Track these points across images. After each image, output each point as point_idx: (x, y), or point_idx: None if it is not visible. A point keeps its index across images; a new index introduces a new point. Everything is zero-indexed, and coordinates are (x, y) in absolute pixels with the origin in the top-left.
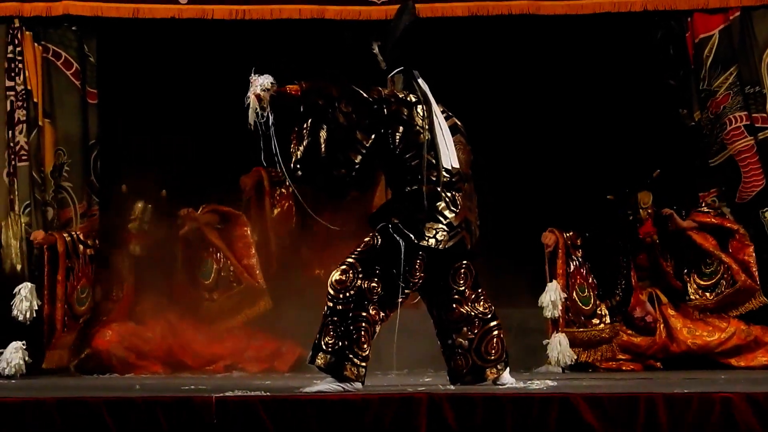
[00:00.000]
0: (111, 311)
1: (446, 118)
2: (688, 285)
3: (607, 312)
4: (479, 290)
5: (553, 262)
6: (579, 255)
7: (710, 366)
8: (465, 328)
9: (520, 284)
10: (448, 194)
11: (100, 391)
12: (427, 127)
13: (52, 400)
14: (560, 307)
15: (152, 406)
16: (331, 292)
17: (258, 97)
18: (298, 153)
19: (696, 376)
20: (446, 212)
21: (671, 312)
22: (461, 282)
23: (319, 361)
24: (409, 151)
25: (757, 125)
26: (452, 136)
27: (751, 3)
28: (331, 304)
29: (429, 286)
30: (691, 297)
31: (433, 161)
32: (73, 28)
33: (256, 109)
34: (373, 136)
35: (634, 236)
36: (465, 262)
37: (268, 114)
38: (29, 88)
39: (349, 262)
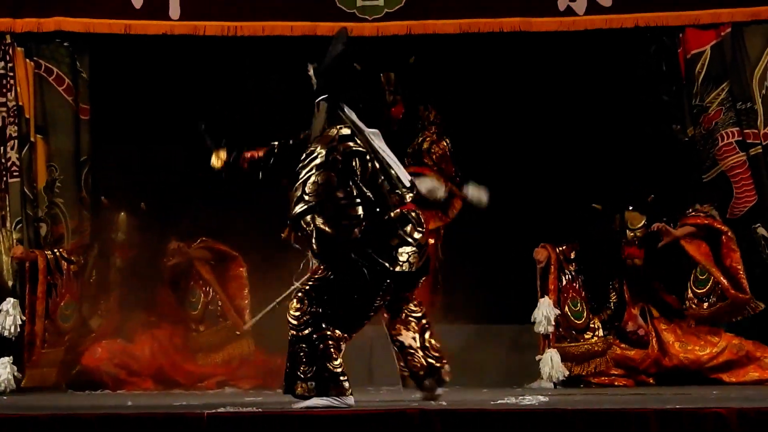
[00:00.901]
0: (99, 326)
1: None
2: (685, 293)
3: (600, 325)
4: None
5: (545, 277)
6: (572, 269)
7: (702, 382)
8: (410, 328)
9: (512, 300)
10: (413, 214)
11: (93, 408)
12: (373, 153)
13: (44, 416)
14: (553, 323)
15: (144, 423)
16: (292, 321)
17: None
18: (315, 248)
19: (688, 392)
20: (415, 234)
21: (663, 326)
22: (413, 293)
23: (300, 390)
24: (367, 182)
25: (748, 141)
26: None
27: (743, 19)
28: (294, 332)
29: (392, 303)
30: (687, 305)
31: (389, 186)
32: (65, 43)
33: None
34: (351, 183)
35: (623, 256)
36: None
37: None
38: (21, 104)
39: (305, 290)
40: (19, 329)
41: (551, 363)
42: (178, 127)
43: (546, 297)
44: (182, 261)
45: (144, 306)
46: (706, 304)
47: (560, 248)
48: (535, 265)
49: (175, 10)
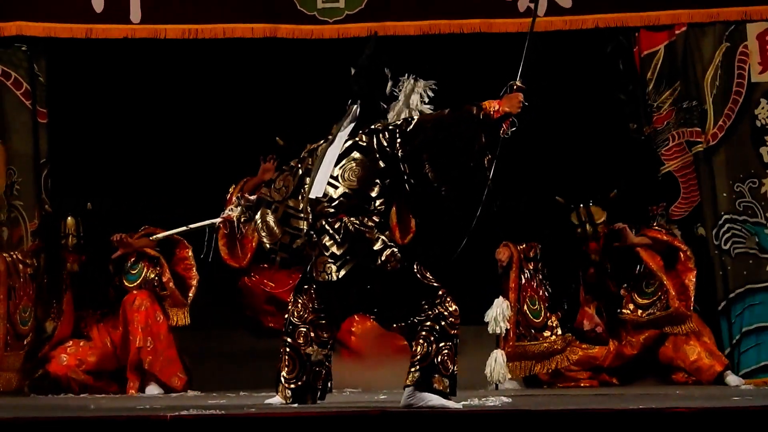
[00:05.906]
0: (54, 330)
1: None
2: (625, 299)
3: (558, 323)
4: None
5: (506, 275)
6: (530, 267)
7: (665, 376)
8: None
9: (474, 299)
10: (336, 225)
11: (55, 411)
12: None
13: (6, 420)
14: (503, 324)
15: (107, 426)
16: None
17: None
18: None
19: (651, 392)
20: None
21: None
22: None
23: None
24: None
25: (694, 140)
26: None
27: (701, 20)
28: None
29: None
30: (624, 311)
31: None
32: (23, 48)
33: None
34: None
35: (583, 250)
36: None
37: None
38: None
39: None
40: None
41: (494, 363)
42: (137, 131)
43: (501, 297)
44: (127, 251)
45: (96, 304)
46: (644, 313)
47: (521, 246)
48: (496, 264)
49: (136, 13)
